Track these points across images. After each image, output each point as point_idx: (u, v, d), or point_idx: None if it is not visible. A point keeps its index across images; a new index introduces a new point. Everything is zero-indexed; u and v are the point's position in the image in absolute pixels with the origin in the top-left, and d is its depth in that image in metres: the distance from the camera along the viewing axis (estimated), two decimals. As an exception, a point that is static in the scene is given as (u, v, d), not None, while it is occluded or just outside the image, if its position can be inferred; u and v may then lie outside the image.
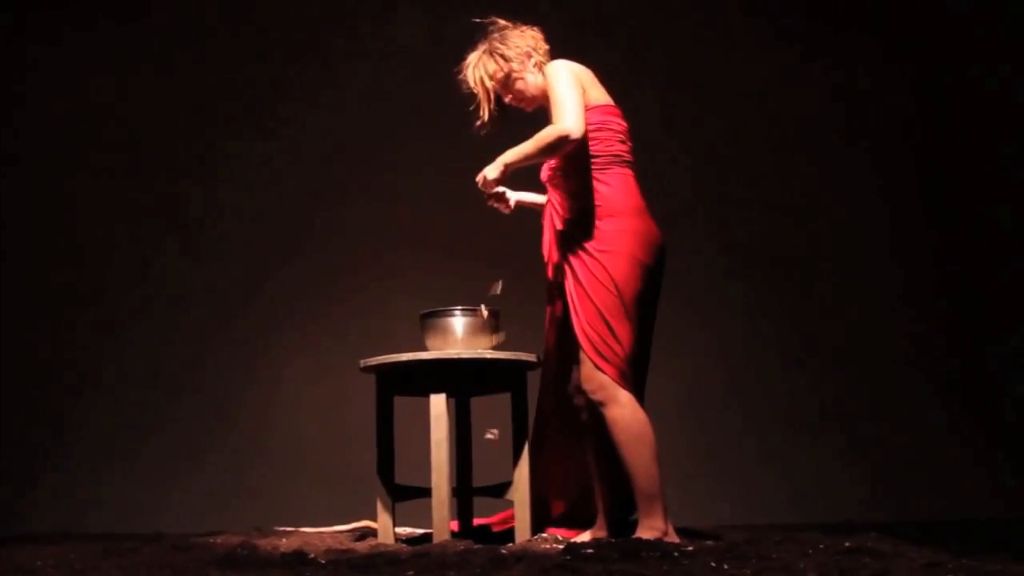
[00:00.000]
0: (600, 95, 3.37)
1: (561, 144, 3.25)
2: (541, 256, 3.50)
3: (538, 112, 3.51)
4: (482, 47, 3.49)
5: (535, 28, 3.53)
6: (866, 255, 5.28)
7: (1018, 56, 5.29)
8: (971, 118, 5.30)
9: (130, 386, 5.17)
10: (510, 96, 3.49)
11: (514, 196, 3.63)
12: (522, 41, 3.47)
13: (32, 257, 5.29)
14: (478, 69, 3.47)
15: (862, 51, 5.35)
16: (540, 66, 3.45)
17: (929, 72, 5.34)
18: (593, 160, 3.32)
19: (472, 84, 3.49)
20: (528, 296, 3.70)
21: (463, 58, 3.53)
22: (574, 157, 3.32)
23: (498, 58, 3.45)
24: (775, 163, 5.32)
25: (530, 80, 3.45)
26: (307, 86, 5.39)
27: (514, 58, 3.44)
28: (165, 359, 5.20)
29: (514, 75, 3.44)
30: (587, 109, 3.30)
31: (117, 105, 5.35)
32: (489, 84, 3.45)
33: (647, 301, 3.33)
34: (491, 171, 3.33)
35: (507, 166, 3.32)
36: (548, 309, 3.51)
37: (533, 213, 3.65)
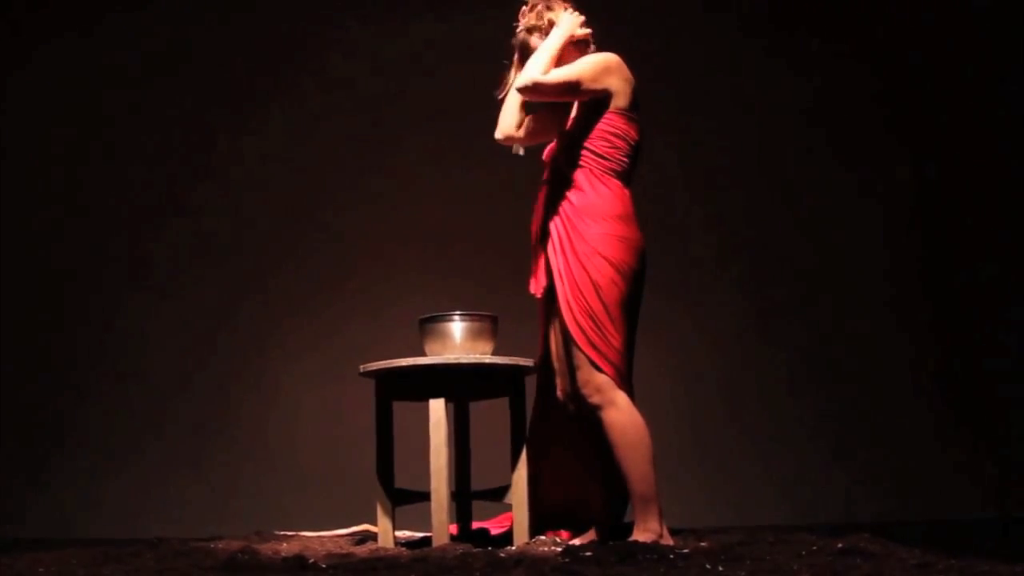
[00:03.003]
0: (631, 103, 3.40)
1: (524, 77, 3.38)
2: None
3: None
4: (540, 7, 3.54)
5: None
6: (857, 257, 5.32)
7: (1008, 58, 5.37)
8: (966, 120, 5.37)
9: (129, 390, 5.18)
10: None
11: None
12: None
13: (28, 260, 5.29)
14: (538, 21, 3.50)
15: (855, 60, 5.39)
16: (581, 48, 3.49)
17: (923, 76, 5.40)
18: (601, 161, 3.36)
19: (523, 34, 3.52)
20: (526, 300, 3.72)
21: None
22: (586, 152, 3.37)
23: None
24: (770, 166, 5.36)
25: (568, 58, 3.46)
26: (304, 87, 5.40)
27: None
28: (164, 363, 5.21)
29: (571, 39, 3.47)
30: (618, 114, 3.36)
31: (112, 105, 5.35)
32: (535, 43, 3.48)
33: (634, 305, 3.37)
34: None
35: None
36: (540, 312, 3.54)
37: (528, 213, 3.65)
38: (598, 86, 3.36)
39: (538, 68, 3.38)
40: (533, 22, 3.53)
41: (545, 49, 3.42)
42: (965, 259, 5.30)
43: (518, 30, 3.57)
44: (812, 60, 5.40)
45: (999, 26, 5.35)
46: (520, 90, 3.45)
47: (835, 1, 5.40)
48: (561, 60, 3.43)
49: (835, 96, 5.39)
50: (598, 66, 3.38)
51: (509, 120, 3.61)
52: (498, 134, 3.65)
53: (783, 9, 5.40)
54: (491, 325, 3.58)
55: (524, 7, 3.58)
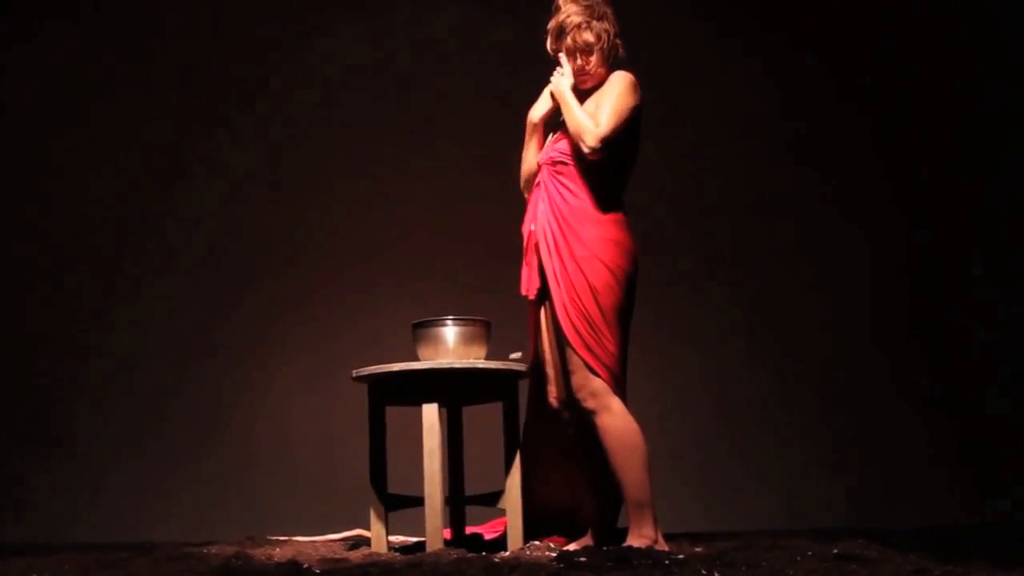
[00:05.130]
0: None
1: (582, 140, 3.31)
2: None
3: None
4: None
5: None
6: (845, 266, 5.32)
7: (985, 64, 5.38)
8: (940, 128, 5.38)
9: (121, 395, 5.16)
10: (591, 60, 3.44)
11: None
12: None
13: (16, 265, 5.27)
14: (606, 17, 3.46)
15: (835, 70, 5.40)
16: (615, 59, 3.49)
17: (911, 88, 5.40)
18: (603, 168, 3.37)
19: (587, 17, 3.43)
20: (519, 304, 3.72)
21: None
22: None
23: (613, 29, 3.47)
24: (759, 178, 5.35)
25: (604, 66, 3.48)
26: (294, 90, 5.39)
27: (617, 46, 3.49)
28: (156, 368, 5.19)
29: (604, 52, 3.45)
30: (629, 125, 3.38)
31: (97, 107, 5.34)
32: (601, 30, 3.43)
33: (629, 310, 3.38)
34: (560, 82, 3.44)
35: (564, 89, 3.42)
36: (531, 316, 3.54)
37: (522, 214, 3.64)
38: (635, 109, 3.38)
39: (588, 124, 3.31)
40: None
41: (572, 109, 3.36)
42: (954, 268, 5.30)
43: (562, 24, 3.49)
44: (803, 72, 5.39)
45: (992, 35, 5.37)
46: (595, 155, 3.32)
47: (823, 15, 5.40)
48: (603, 68, 3.45)
49: (825, 111, 5.38)
50: (629, 92, 3.37)
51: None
52: (528, 190, 3.61)
53: (772, 21, 5.38)
54: (484, 330, 3.58)
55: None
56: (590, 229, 3.32)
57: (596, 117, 3.33)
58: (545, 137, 3.59)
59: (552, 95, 3.52)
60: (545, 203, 3.42)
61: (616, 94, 3.37)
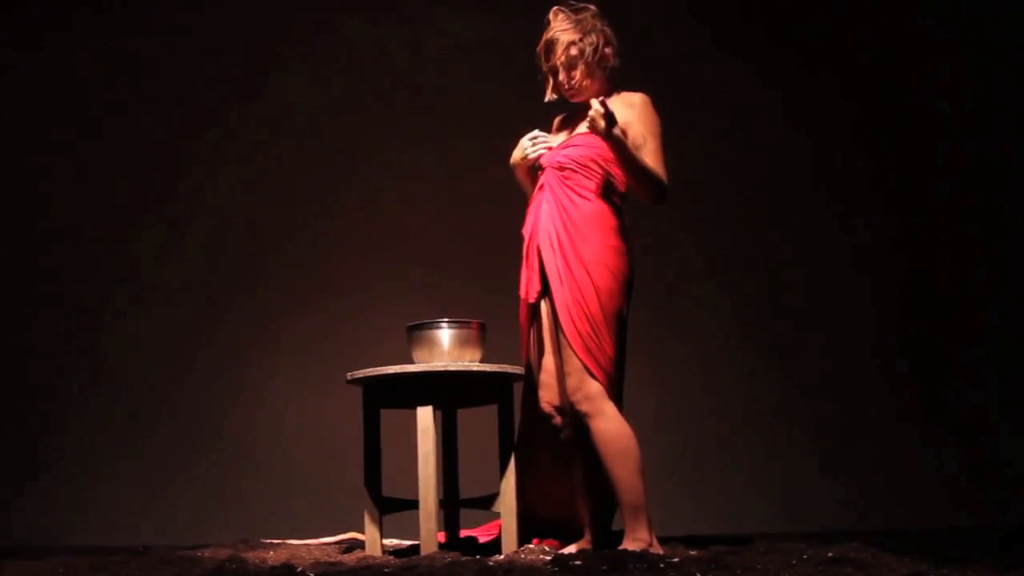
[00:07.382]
0: None
1: (657, 195, 3.34)
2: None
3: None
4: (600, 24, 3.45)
5: None
6: (842, 270, 5.32)
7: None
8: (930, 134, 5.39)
9: (114, 398, 5.16)
10: (575, 75, 3.42)
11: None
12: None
13: (11, 269, 5.26)
14: (596, 30, 3.42)
15: (826, 80, 5.40)
16: (608, 71, 3.47)
17: (906, 100, 5.41)
18: (611, 178, 3.37)
19: (574, 34, 3.40)
20: (514, 307, 3.72)
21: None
22: (599, 165, 3.36)
23: (610, 36, 3.45)
24: (757, 185, 5.35)
25: (600, 77, 3.46)
26: (288, 91, 5.39)
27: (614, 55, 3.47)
28: (150, 371, 5.19)
29: (604, 63, 3.44)
30: None
31: (91, 105, 5.33)
32: (587, 45, 3.40)
33: (626, 317, 3.37)
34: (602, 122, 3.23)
35: (614, 139, 3.24)
36: (524, 320, 3.52)
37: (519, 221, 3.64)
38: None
39: (659, 179, 3.32)
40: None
41: (632, 160, 3.28)
42: (947, 276, 5.30)
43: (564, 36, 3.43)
44: (805, 79, 5.39)
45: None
46: (649, 195, 3.36)
47: (821, 24, 5.40)
48: (591, 81, 3.43)
49: (828, 120, 5.38)
50: (658, 122, 3.40)
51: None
52: None
53: (768, 26, 5.39)
54: (479, 332, 3.57)
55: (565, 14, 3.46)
56: (596, 234, 3.33)
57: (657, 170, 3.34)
58: (531, 173, 3.57)
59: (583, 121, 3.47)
60: (550, 205, 3.41)
61: (652, 134, 3.37)
